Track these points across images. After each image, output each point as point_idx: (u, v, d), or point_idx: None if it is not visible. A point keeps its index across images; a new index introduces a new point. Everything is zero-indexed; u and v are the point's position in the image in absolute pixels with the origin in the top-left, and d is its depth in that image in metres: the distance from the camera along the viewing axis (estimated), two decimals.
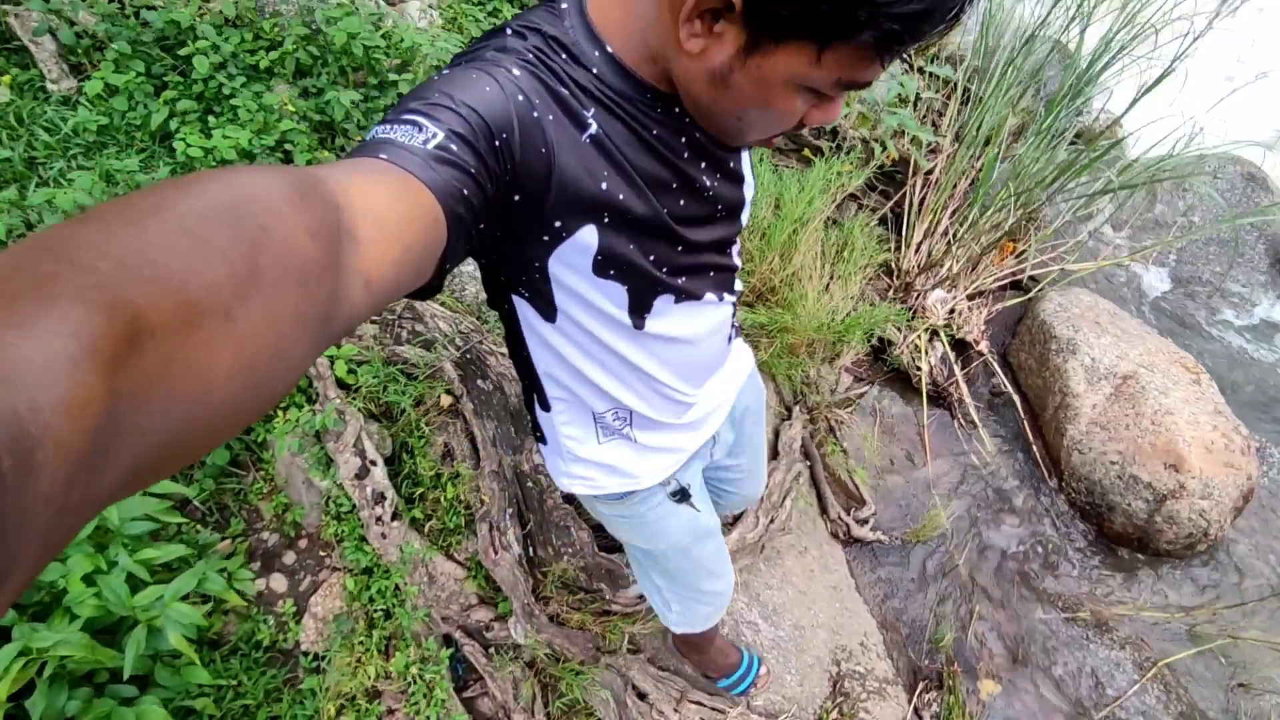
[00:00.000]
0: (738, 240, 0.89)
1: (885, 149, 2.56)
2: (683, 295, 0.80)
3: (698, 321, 0.86)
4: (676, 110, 0.68)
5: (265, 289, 0.29)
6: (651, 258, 0.72)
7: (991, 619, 2.16)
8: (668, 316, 0.81)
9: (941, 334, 2.64)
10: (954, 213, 2.74)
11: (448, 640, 1.63)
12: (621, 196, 0.65)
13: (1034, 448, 2.47)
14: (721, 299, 0.88)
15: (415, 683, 1.52)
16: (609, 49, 0.63)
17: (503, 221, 0.60)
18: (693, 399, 0.96)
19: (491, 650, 1.63)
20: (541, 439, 1.00)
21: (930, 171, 2.74)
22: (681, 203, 0.72)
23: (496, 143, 0.55)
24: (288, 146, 1.90)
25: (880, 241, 2.72)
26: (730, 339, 1.00)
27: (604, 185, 0.64)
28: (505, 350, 1.73)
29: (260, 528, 1.67)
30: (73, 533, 0.23)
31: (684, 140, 0.70)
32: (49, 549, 0.22)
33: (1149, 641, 2.09)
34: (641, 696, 1.72)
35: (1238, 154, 3.34)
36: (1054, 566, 2.25)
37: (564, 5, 0.64)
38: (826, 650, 2.00)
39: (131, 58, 1.96)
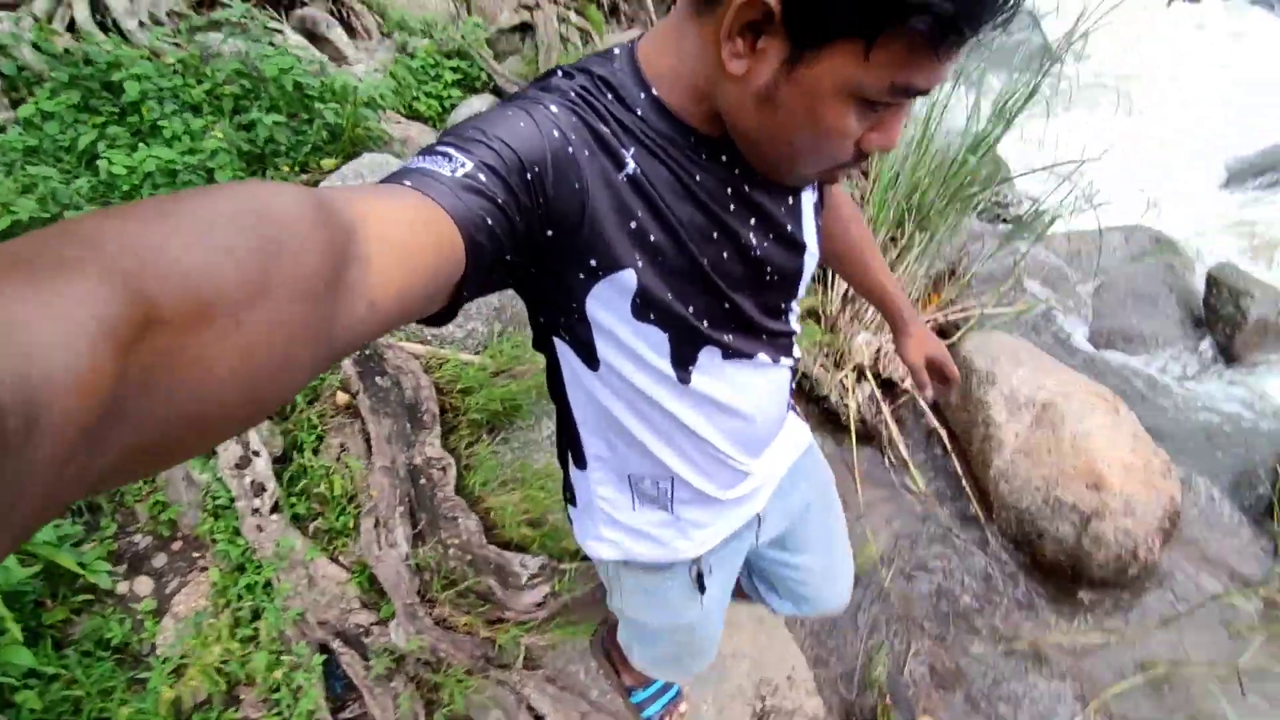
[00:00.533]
0: (795, 306, 0.83)
1: None
2: (731, 352, 0.76)
3: (751, 383, 0.81)
4: (724, 158, 0.66)
5: (273, 299, 0.30)
6: (691, 308, 0.69)
7: (927, 653, 2.04)
8: (716, 375, 0.76)
9: (868, 373, 2.67)
10: None
11: (324, 649, 1.51)
12: (653, 238, 0.64)
13: (964, 482, 2.44)
14: (777, 361, 0.83)
15: (280, 690, 1.40)
16: (654, 91, 0.62)
17: (537, 257, 0.59)
18: (748, 468, 0.89)
19: (372, 661, 1.51)
20: (571, 499, 0.95)
21: None
22: (725, 255, 0.69)
23: (528, 176, 0.54)
24: (211, 165, 1.96)
25: (808, 291, 2.81)
26: (790, 407, 0.93)
27: (637, 225, 0.63)
28: (404, 344, 1.73)
29: (133, 530, 1.58)
30: (58, 509, 0.23)
31: (729, 191, 0.67)
32: (36, 519, 0.22)
33: (1089, 672, 1.98)
34: (538, 718, 1.58)
35: (1146, 224, 3.57)
36: (989, 599, 2.17)
37: (616, 50, 0.65)
38: (749, 682, 1.87)
39: (68, 87, 2.05)
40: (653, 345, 0.71)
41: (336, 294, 0.35)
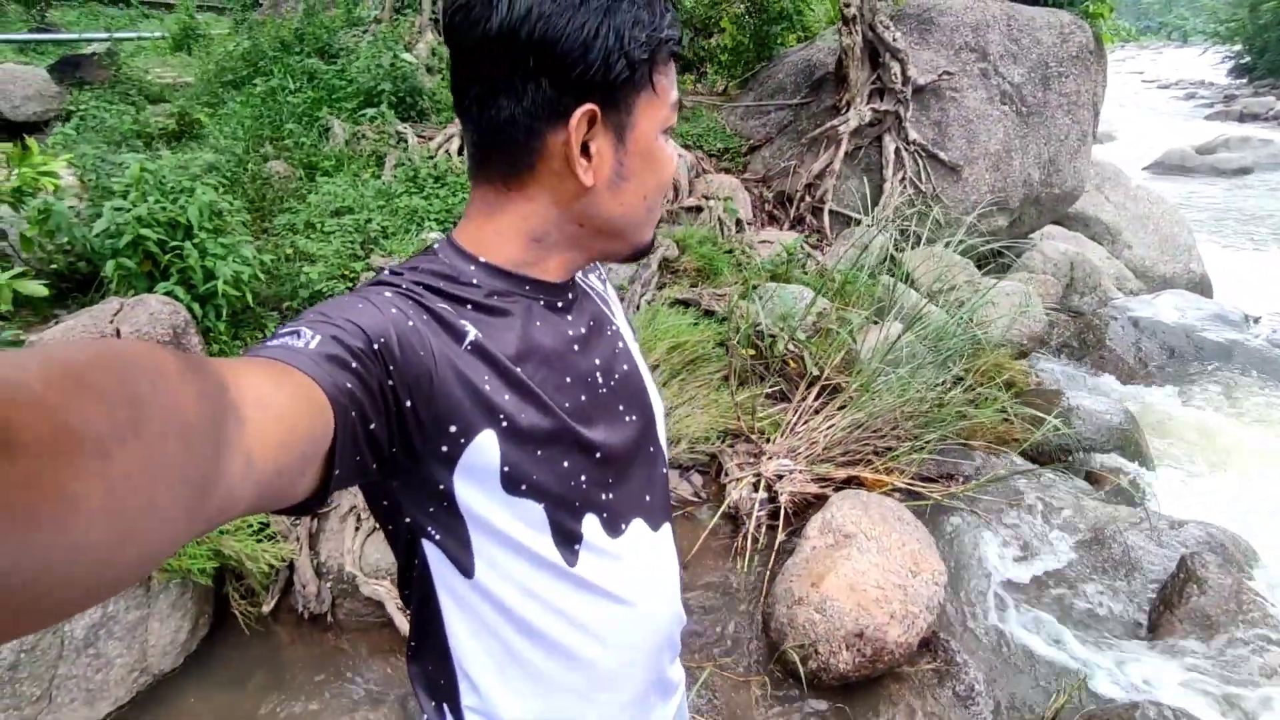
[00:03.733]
0: (661, 449, 0.86)
1: (774, 343, 3.52)
2: (611, 516, 0.75)
3: (637, 559, 0.78)
4: (559, 305, 0.74)
5: (145, 437, 0.30)
6: (565, 464, 0.70)
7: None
8: (604, 553, 0.74)
9: (763, 484, 3.24)
10: (829, 419, 3.42)
11: None
12: (506, 397, 0.66)
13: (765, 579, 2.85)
14: (657, 526, 0.82)
15: None
16: (482, 259, 0.70)
17: (401, 430, 0.60)
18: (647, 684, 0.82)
19: None
20: None
21: (818, 382, 3.53)
22: (581, 399, 0.72)
23: (375, 346, 0.57)
24: (436, 209, 3.84)
25: (761, 416, 3.50)
26: (680, 621, 0.88)
27: (489, 389, 0.65)
28: None
29: None
30: None
31: (570, 334, 0.73)
32: None
33: None
34: None
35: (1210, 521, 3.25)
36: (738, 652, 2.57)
37: (434, 246, 0.73)
38: None
39: (411, 177, 4.21)
40: (531, 524, 0.69)
41: (212, 445, 0.35)
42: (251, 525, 2.58)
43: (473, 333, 0.66)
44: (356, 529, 2.69)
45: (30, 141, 2.80)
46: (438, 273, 0.69)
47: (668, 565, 0.84)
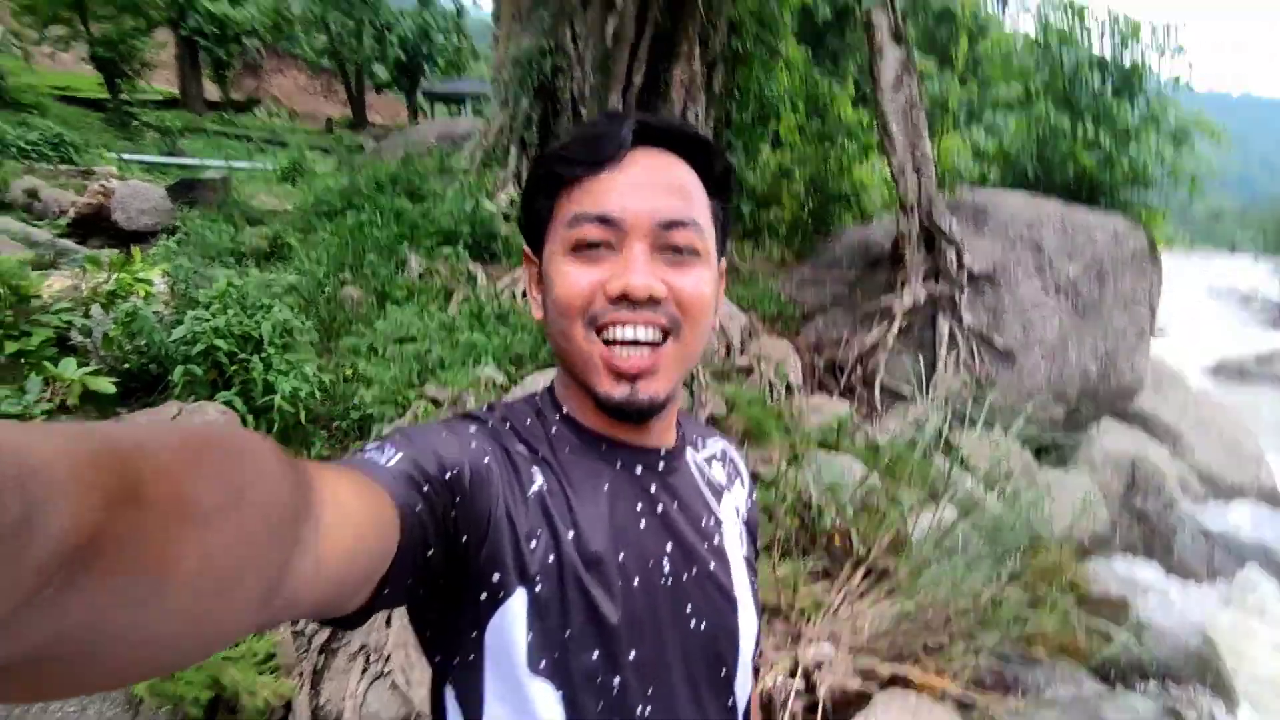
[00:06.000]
0: (737, 689, 0.72)
1: (821, 515, 3.37)
2: None
3: None
4: (637, 472, 0.71)
5: (242, 512, 0.34)
6: (594, 655, 0.63)
7: None
8: None
9: (799, 672, 2.97)
10: (875, 604, 3.18)
11: None
12: (550, 560, 0.62)
13: None
14: None
15: None
16: (565, 410, 0.72)
17: (451, 563, 0.59)
18: None
19: None
20: None
21: (865, 563, 3.32)
22: (635, 584, 0.65)
23: (448, 475, 0.58)
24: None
25: (803, 594, 3.28)
26: None
27: (533, 545, 0.62)
28: None
29: None
30: (22, 627, 0.25)
31: (640, 507, 0.69)
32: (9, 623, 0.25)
33: None
34: None
35: None
36: None
37: (539, 387, 0.78)
38: None
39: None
40: (546, 711, 0.62)
41: (293, 537, 0.38)
42: (257, 654, 2.44)
43: (539, 483, 0.65)
44: (364, 670, 2.52)
45: (135, 250, 3.02)
46: (528, 416, 0.72)
47: None
